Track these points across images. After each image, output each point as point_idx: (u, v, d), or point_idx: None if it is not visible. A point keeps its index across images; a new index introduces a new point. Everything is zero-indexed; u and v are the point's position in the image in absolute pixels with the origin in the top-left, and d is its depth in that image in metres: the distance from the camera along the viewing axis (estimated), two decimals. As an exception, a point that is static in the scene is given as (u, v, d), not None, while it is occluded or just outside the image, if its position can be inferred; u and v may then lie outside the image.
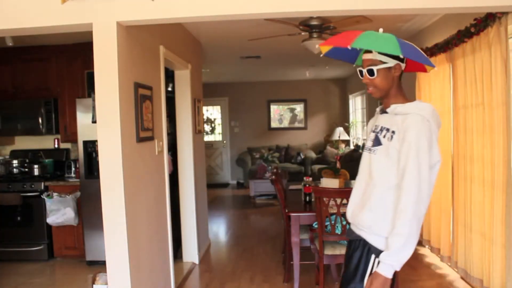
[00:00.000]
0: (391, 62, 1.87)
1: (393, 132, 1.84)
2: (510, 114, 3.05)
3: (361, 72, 1.95)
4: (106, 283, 2.88)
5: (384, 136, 1.88)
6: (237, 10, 2.60)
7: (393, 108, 1.88)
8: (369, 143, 1.98)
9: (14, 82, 5.02)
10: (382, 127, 1.92)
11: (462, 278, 3.93)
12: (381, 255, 1.75)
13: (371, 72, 1.89)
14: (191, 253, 4.73)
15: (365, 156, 1.98)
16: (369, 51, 1.89)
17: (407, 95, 1.95)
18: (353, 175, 5.70)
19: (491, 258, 3.31)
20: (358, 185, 2.00)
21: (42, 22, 2.63)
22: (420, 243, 5.03)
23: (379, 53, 1.85)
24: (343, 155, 7.79)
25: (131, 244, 2.76)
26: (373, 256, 1.86)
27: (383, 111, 1.98)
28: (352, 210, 1.99)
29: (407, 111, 1.82)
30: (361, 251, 1.92)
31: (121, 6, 2.61)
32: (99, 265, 4.36)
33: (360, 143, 9.08)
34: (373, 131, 1.97)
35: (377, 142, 1.91)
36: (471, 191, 3.62)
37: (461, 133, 3.81)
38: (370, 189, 1.89)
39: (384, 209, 1.82)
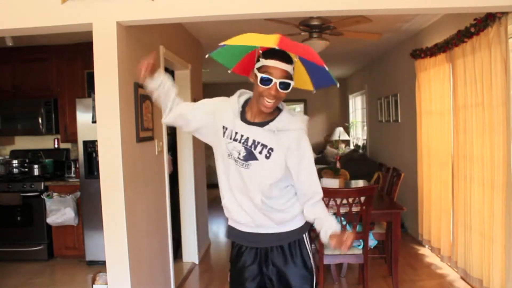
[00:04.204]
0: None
1: (271, 149, 1.78)
2: (510, 114, 3.05)
3: (267, 80, 1.68)
4: (106, 283, 2.88)
5: (261, 152, 1.78)
6: (237, 10, 2.60)
7: (273, 126, 1.78)
8: (235, 154, 1.81)
9: (14, 82, 5.02)
10: (256, 141, 1.78)
11: (462, 278, 3.93)
12: (330, 224, 1.80)
13: (287, 86, 1.71)
14: (191, 253, 4.73)
15: (236, 167, 1.83)
16: (287, 62, 1.69)
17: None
18: (353, 175, 5.68)
19: (491, 258, 3.31)
20: (244, 200, 1.89)
21: (42, 22, 2.64)
22: (420, 243, 5.03)
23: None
24: (343, 155, 7.79)
25: (131, 244, 2.76)
26: (304, 236, 1.96)
27: (249, 122, 1.81)
28: (263, 221, 1.91)
29: (287, 128, 1.80)
30: (298, 246, 1.94)
31: (121, 6, 2.61)
32: (99, 265, 4.36)
33: (360, 143, 9.07)
34: (241, 142, 1.80)
35: (250, 157, 1.79)
36: (471, 191, 3.62)
37: (461, 133, 3.81)
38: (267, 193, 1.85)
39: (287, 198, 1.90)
